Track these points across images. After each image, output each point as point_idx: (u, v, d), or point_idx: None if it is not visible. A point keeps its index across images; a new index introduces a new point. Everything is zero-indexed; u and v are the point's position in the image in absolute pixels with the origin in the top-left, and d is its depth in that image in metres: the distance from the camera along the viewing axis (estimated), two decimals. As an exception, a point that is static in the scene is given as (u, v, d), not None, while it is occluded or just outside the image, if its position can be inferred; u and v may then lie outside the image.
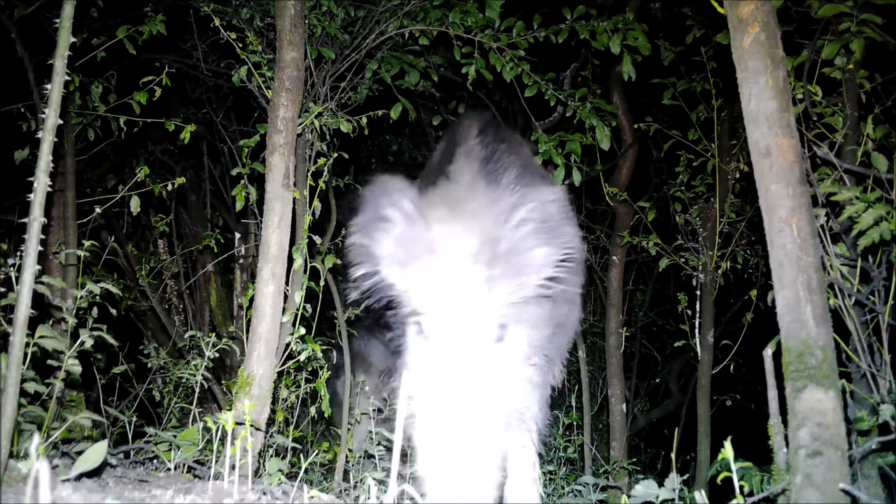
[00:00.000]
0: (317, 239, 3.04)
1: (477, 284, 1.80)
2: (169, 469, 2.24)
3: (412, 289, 1.87)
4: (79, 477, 1.72)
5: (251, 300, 2.65)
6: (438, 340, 1.81)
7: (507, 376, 1.87)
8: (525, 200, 1.86)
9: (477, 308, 1.80)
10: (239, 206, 3.17)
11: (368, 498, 2.12)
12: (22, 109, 3.23)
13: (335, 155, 3.25)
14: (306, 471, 3.03)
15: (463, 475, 1.62)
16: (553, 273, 1.91)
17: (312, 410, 3.18)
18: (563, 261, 1.92)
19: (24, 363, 1.73)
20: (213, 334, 3.11)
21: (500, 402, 1.77)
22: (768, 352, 2.13)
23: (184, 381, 3.23)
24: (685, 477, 2.23)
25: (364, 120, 3.29)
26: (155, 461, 2.42)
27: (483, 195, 2.03)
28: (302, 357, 2.80)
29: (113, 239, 3.95)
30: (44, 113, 1.71)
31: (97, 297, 2.33)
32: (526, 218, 1.84)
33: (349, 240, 2.08)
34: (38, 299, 1.85)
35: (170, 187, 3.44)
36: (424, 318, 1.86)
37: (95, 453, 1.71)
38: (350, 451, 3.12)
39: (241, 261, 4.76)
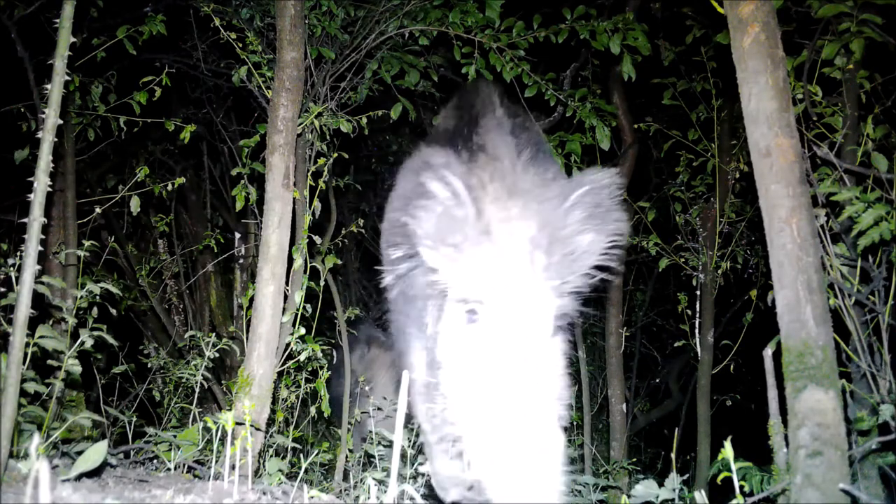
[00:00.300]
0: (317, 239, 3.04)
1: (536, 272, 1.67)
2: (169, 469, 2.24)
3: (463, 274, 1.72)
4: (79, 477, 1.72)
5: (251, 300, 2.65)
6: (495, 331, 1.66)
7: (556, 371, 1.74)
8: (580, 182, 1.75)
9: (536, 298, 1.67)
10: (239, 206, 3.17)
11: (368, 498, 2.12)
12: (22, 109, 3.23)
13: (335, 155, 3.25)
14: (306, 471, 3.03)
15: (530, 475, 1.50)
16: (600, 262, 1.79)
17: (312, 410, 3.18)
18: (611, 248, 1.80)
19: (24, 363, 1.73)
20: (213, 334, 3.11)
21: (551, 399, 1.64)
22: (768, 352, 2.13)
23: (184, 381, 3.23)
24: (685, 477, 2.23)
25: (364, 120, 3.29)
26: (155, 461, 2.41)
27: (533, 174, 1.89)
28: (302, 357, 2.80)
29: (113, 239, 3.96)
30: (44, 113, 1.71)
31: (97, 297, 2.33)
32: (580, 202, 1.73)
33: (387, 216, 1.94)
34: (38, 299, 1.85)
35: (170, 187, 3.44)
36: (479, 306, 1.69)
37: (95, 453, 1.71)
38: (350, 451, 3.12)
39: (241, 261, 4.76)
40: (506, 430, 1.54)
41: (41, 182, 1.67)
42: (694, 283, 4.19)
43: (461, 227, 1.70)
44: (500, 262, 1.68)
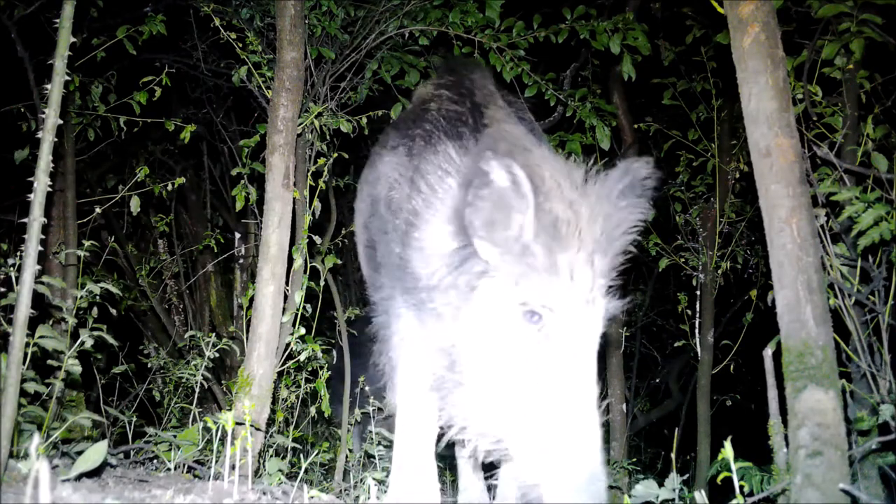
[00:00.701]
0: (317, 239, 3.04)
1: (599, 272, 1.61)
2: (169, 469, 2.24)
3: (526, 274, 1.58)
4: (79, 477, 1.72)
5: (251, 300, 2.65)
6: (562, 340, 1.58)
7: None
8: (623, 172, 1.68)
9: (601, 305, 1.62)
10: (239, 206, 3.18)
11: (368, 498, 2.12)
12: (22, 109, 3.24)
13: (335, 155, 3.25)
14: (306, 471, 3.03)
15: (599, 477, 1.48)
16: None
17: (312, 410, 3.18)
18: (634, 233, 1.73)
19: (24, 363, 1.73)
20: (213, 334, 3.11)
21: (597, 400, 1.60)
22: (768, 352, 2.13)
23: (184, 381, 3.23)
24: (685, 477, 2.23)
25: (364, 120, 3.29)
26: (155, 461, 2.42)
27: (574, 168, 1.73)
28: (302, 357, 2.80)
29: (113, 239, 3.96)
30: (44, 113, 1.71)
31: (97, 297, 2.33)
32: (624, 193, 1.67)
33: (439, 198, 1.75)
34: (38, 299, 1.85)
35: (170, 187, 3.45)
36: (548, 313, 1.58)
37: (95, 453, 1.71)
38: (350, 451, 3.12)
39: (241, 261, 4.77)
40: (563, 434, 1.50)
41: (41, 182, 1.67)
42: (694, 283, 4.19)
43: (524, 222, 1.58)
44: (570, 267, 1.57)
